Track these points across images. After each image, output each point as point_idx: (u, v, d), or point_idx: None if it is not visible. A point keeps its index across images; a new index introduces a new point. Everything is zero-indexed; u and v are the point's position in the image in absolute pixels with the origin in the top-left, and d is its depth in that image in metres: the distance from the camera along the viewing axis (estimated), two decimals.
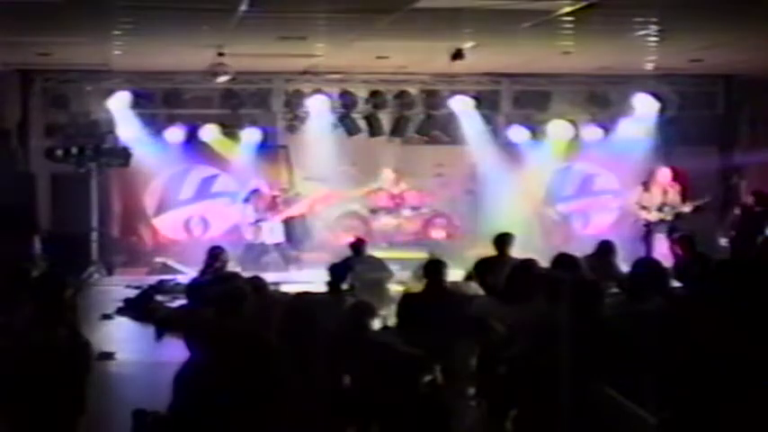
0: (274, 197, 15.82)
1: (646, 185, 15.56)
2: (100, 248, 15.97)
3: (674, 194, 15.37)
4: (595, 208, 17.71)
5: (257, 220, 15.56)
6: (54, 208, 16.27)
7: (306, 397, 6.13)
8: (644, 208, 15.38)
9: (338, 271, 8.97)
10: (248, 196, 15.84)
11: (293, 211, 15.89)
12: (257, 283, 8.74)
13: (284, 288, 11.46)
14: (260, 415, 5.94)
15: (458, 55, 12.82)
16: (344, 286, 8.82)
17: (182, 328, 8.71)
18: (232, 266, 12.62)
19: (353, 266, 9.57)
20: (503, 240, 10.43)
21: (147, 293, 13.42)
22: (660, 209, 15.25)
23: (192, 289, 11.55)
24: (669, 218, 15.17)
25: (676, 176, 15.55)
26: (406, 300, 8.56)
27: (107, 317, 12.45)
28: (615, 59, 14.53)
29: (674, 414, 5.07)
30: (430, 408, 6.52)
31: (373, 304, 7.27)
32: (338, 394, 6.35)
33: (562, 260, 8.03)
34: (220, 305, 7.36)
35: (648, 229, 15.24)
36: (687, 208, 15.20)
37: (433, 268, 8.58)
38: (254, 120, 16.76)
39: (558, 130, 17.08)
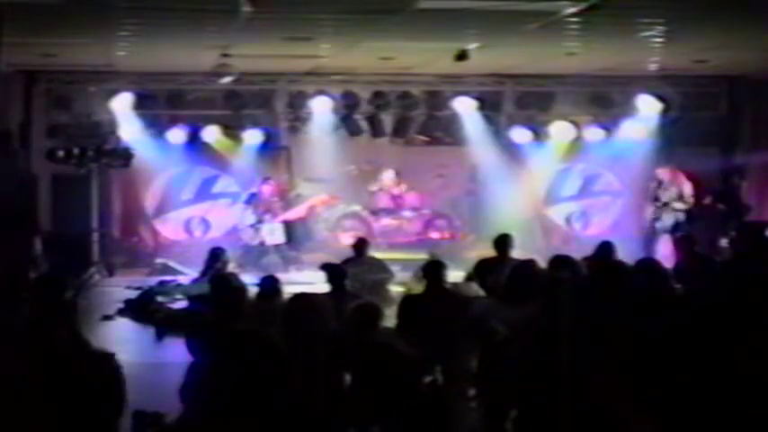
0: (273, 201, 15.78)
1: (660, 182, 15.54)
2: (101, 249, 15.98)
3: (689, 190, 15.40)
4: (596, 209, 17.69)
5: (257, 222, 15.54)
6: (55, 209, 16.26)
7: (306, 397, 6.12)
8: (659, 201, 15.37)
9: (333, 271, 8.95)
10: (249, 199, 15.82)
11: (293, 213, 15.85)
12: (273, 284, 8.63)
13: (285, 289, 11.43)
14: (260, 416, 5.93)
15: (462, 56, 12.81)
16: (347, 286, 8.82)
17: (182, 329, 8.71)
18: (232, 268, 12.62)
19: (348, 270, 9.51)
20: (503, 241, 10.40)
21: (148, 294, 13.41)
22: (679, 199, 15.28)
23: (192, 290, 11.55)
24: (684, 208, 15.18)
25: (687, 176, 15.58)
26: (407, 301, 8.54)
27: (108, 318, 12.45)
28: (618, 60, 14.52)
29: (676, 416, 5.07)
30: (430, 408, 6.51)
31: (379, 305, 7.27)
32: (339, 394, 6.34)
33: (558, 263, 7.98)
34: (221, 306, 7.35)
35: (650, 230, 15.24)
36: (707, 200, 15.26)
37: (434, 269, 8.56)
38: (257, 121, 16.75)
39: (560, 130, 17.08)
